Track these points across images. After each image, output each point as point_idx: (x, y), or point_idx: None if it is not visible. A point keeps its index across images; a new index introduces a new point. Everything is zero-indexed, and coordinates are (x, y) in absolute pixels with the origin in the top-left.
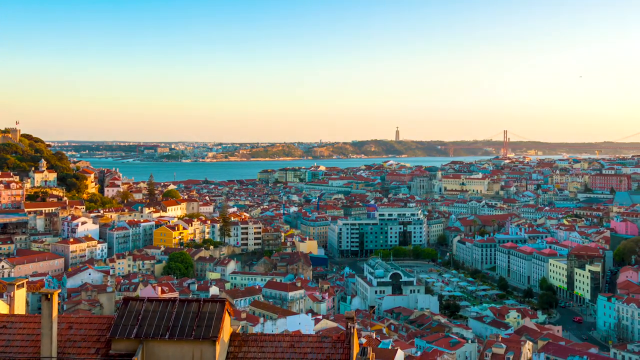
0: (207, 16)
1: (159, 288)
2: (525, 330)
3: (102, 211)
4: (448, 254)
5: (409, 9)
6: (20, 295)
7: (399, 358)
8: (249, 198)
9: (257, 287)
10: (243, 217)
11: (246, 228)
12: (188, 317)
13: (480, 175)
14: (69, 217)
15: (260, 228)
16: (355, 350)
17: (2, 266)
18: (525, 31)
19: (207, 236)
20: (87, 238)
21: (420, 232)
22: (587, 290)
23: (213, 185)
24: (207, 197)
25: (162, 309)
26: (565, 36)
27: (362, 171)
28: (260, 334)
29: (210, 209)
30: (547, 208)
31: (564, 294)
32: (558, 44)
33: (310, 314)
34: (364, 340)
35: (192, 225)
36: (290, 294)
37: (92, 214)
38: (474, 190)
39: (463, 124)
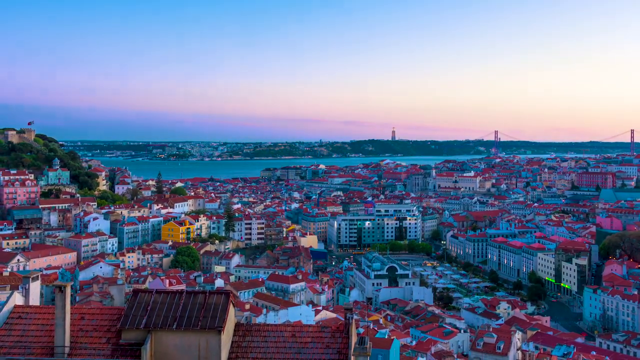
0: (208, 19)
1: (167, 280)
2: (515, 320)
3: (112, 207)
4: (442, 248)
5: (405, 12)
6: (35, 288)
7: (395, 347)
8: (253, 195)
9: (260, 280)
10: (247, 213)
11: (250, 223)
12: (194, 308)
13: (472, 173)
14: (82, 213)
15: (263, 223)
16: (354, 339)
17: (18, 260)
18: (515, 36)
19: (212, 231)
20: (99, 233)
21: (415, 228)
22: (574, 283)
23: (218, 183)
24: (212, 194)
25: (169, 300)
26: (552, 39)
27: (360, 169)
28: (263, 324)
29: (215, 205)
30: (536, 204)
31: (551, 286)
32: (547, 47)
33: (310, 305)
34: (362, 330)
35: (198, 221)
36: (292, 286)
37: (103, 210)
38: (466, 188)
39: (456, 124)
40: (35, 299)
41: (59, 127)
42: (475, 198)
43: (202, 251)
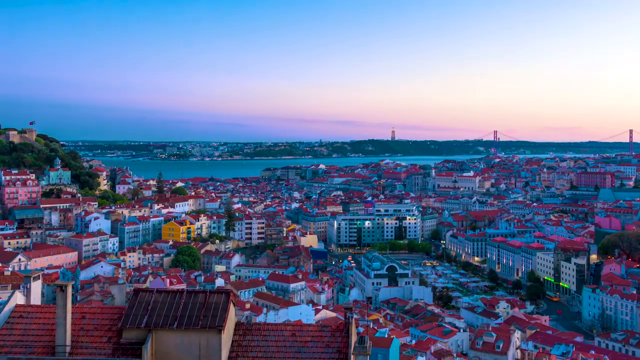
0: (209, 19)
1: (168, 280)
2: (514, 319)
3: (113, 207)
4: (441, 247)
5: (405, 13)
6: (36, 287)
7: (395, 346)
8: (253, 195)
9: (261, 279)
10: (247, 212)
11: (250, 223)
12: (195, 308)
13: (471, 173)
14: (83, 212)
15: (263, 223)
16: (353, 338)
17: (19, 259)
18: (514, 36)
19: (213, 231)
20: (100, 233)
21: (415, 227)
22: (573, 282)
23: (219, 183)
24: (213, 194)
25: (170, 299)
26: (552, 40)
27: (360, 169)
28: (264, 323)
29: (216, 205)
30: (535, 204)
31: (550, 286)
32: (546, 47)
33: (310, 305)
34: (361, 329)
35: (199, 221)
36: (292, 285)
37: (104, 210)
38: (465, 187)
39: (455, 124)
40: (36, 299)
41: (59, 127)
42: (475, 198)
43: (202, 251)
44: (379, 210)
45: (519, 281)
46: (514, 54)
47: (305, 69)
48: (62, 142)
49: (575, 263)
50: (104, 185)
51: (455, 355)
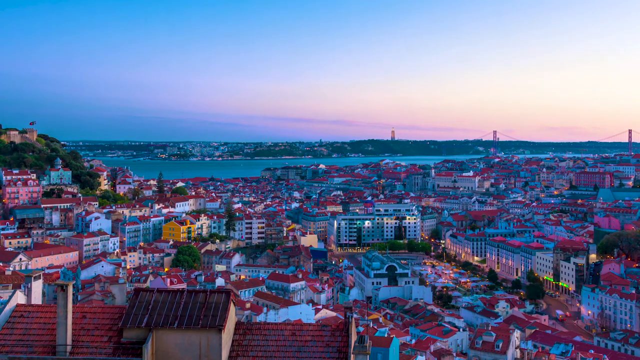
0: (209, 20)
1: (168, 279)
2: (514, 319)
3: (114, 207)
4: (441, 247)
5: (405, 14)
6: (37, 287)
7: (395, 346)
8: (253, 194)
9: (261, 279)
10: (247, 212)
11: (250, 223)
12: (195, 307)
13: (471, 173)
14: (83, 212)
15: (263, 223)
16: (353, 338)
17: (20, 259)
18: (514, 36)
19: (213, 230)
20: (100, 232)
21: (415, 227)
22: (572, 282)
23: (219, 183)
24: (213, 194)
25: (170, 299)
26: (551, 40)
27: (359, 169)
28: (264, 323)
29: (216, 204)
30: (534, 204)
31: (550, 285)
32: (546, 48)
33: (310, 304)
34: (361, 329)
35: (199, 220)
36: (292, 285)
37: (104, 210)
38: (465, 187)
39: (455, 124)
40: (37, 298)
41: (60, 127)
42: (474, 197)
43: (202, 250)
44: (379, 210)
45: (519, 281)
46: (513, 54)
47: (305, 69)
48: (62, 142)
49: (574, 263)
50: (104, 185)
51: (454, 354)
